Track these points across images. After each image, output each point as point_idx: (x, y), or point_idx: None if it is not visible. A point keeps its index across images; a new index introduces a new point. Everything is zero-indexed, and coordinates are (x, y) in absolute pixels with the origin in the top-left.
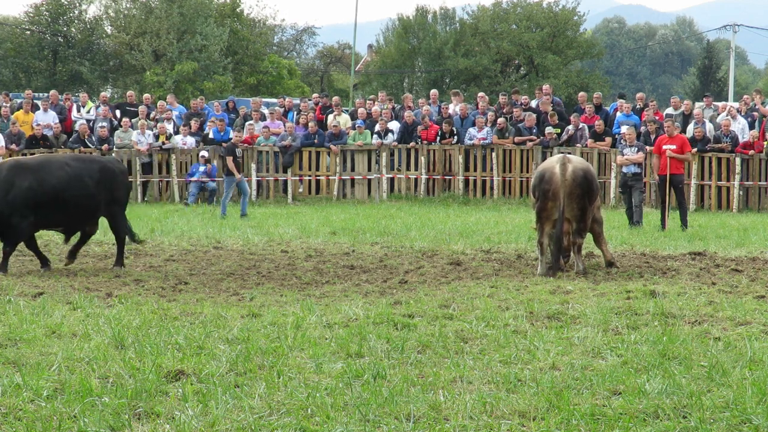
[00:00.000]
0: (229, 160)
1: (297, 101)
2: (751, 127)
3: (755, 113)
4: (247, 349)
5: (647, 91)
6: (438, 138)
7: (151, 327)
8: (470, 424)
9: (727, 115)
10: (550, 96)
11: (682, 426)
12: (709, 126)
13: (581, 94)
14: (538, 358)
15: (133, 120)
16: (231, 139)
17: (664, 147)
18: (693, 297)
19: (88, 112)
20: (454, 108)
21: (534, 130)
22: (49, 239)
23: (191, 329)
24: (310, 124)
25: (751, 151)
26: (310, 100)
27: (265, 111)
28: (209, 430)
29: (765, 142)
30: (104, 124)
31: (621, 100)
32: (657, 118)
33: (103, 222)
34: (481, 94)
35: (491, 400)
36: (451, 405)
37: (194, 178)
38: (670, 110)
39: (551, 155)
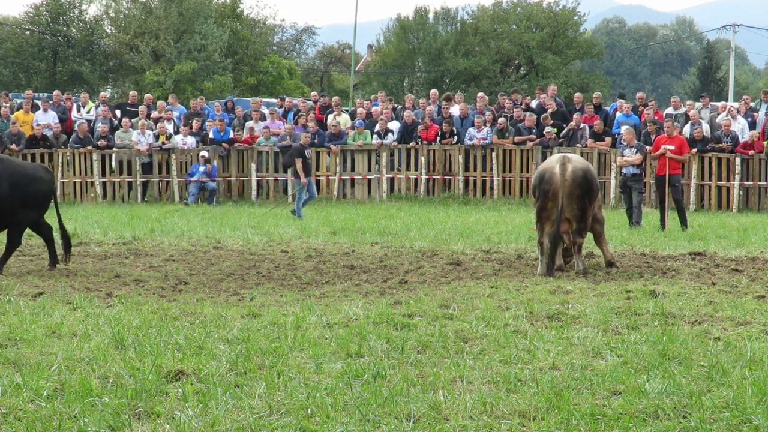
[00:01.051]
0: (298, 162)
1: (296, 101)
2: (752, 127)
3: (755, 113)
4: (247, 349)
5: (647, 91)
6: (438, 138)
7: (151, 327)
8: (470, 424)
9: (727, 115)
10: (554, 95)
11: (682, 426)
12: (705, 126)
13: (577, 95)
14: (538, 358)
15: (133, 120)
16: (299, 141)
17: (663, 147)
18: (693, 297)
19: (88, 112)
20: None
21: (534, 130)
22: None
23: (191, 329)
24: (310, 124)
25: (751, 151)
26: (309, 99)
27: (265, 111)
28: (209, 430)
29: (765, 142)
30: (104, 123)
31: (621, 100)
32: (657, 118)
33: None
34: (480, 94)
35: (491, 400)
36: (451, 405)
37: (194, 178)
38: (670, 110)
39: (551, 155)
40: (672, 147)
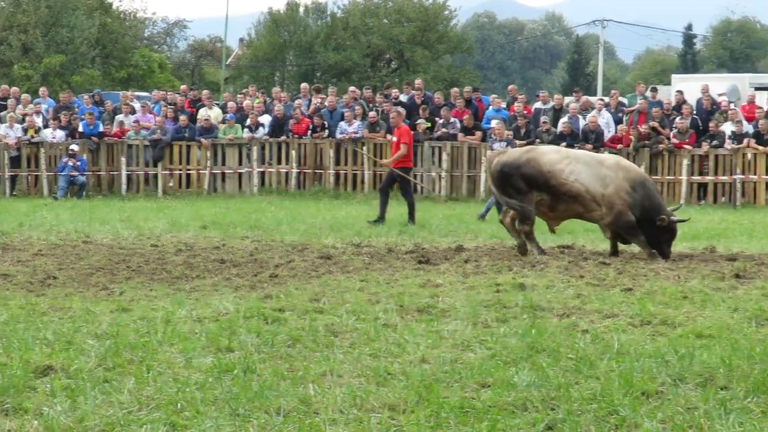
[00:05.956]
0: None
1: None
2: (618, 122)
3: (624, 108)
4: (117, 344)
5: (517, 85)
6: (309, 132)
7: (19, 322)
8: (340, 418)
9: (598, 111)
10: (422, 91)
11: (551, 418)
12: (582, 122)
13: (455, 90)
14: (408, 352)
15: (1, 113)
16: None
17: (393, 139)
18: (561, 290)
19: None
20: (313, 103)
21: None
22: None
23: (60, 324)
24: (181, 117)
25: (619, 145)
26: (179, 93)
27: (136, 104)
28: (78, 425)
29: (632, 137)
30: None
31: (476, 93)
32: (526, 112)
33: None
34: (352, 88)
35: (361, 394)
36: (321, 399)
37: (63, 172)
38: (538, 104)
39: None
40: (395, 139)
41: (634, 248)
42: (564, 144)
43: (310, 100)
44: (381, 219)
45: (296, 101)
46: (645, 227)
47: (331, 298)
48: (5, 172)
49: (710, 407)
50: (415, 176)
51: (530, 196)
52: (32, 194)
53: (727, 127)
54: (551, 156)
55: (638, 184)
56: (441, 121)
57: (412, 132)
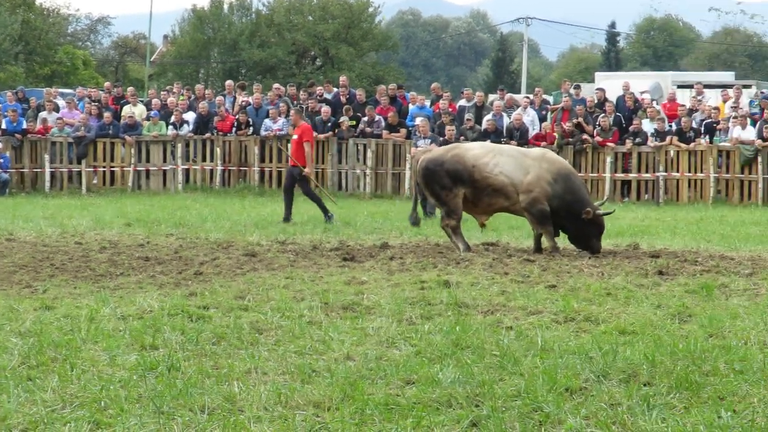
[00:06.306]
0: None
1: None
2: (542, 119)
3: (548, 106)
4: (40, 342)
5: (442, 83)
6: (234, 129)
7: None
8: (265, 415)
9: (518, 108)
10: (347, 88)
11: (475, 414)
12: (506, 120)
13: (381, 87)
14: (333, 349)
15: None
16: None
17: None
18: (486, 287)
19: None
20: (238, 101)
21: (330, 123)
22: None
23: None
24: (105, 114)
25: (544, 143)
26: (102, 90)
27: (60, 102)
28: (1, 423)
29: (556, 134)
30: None
31: (400, 90)
32: (451, 110)
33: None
34: (276, 85)
35: (286, 391)
36: (245, 396)
37: None
38: (463, 102)
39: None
40: (295, 137)
41: (568, 246)
42: (489, 141)
43: (234, 98)
44: (287, 218)
45: (218, 98)
46: (570, 221)
47: (255, 296)
48: None
49: (633, 403)
50: (339, 174)
51: (455, 191)
52: None
53: (647, 125)
54: (476, 151)
55: (561, 177)
56: (366, 118)
57: (337, 129)
